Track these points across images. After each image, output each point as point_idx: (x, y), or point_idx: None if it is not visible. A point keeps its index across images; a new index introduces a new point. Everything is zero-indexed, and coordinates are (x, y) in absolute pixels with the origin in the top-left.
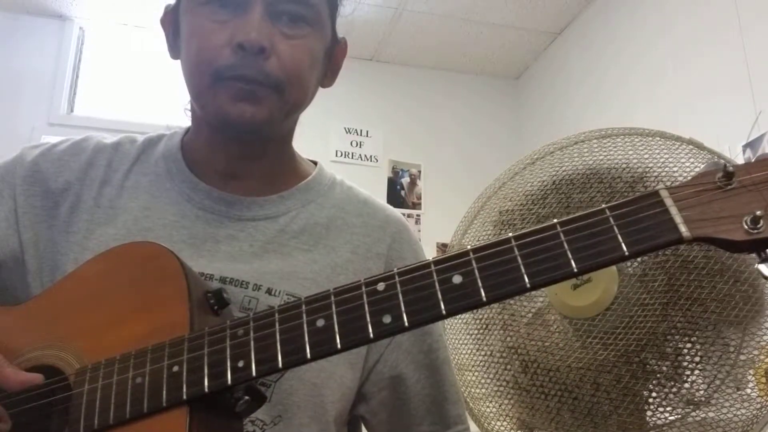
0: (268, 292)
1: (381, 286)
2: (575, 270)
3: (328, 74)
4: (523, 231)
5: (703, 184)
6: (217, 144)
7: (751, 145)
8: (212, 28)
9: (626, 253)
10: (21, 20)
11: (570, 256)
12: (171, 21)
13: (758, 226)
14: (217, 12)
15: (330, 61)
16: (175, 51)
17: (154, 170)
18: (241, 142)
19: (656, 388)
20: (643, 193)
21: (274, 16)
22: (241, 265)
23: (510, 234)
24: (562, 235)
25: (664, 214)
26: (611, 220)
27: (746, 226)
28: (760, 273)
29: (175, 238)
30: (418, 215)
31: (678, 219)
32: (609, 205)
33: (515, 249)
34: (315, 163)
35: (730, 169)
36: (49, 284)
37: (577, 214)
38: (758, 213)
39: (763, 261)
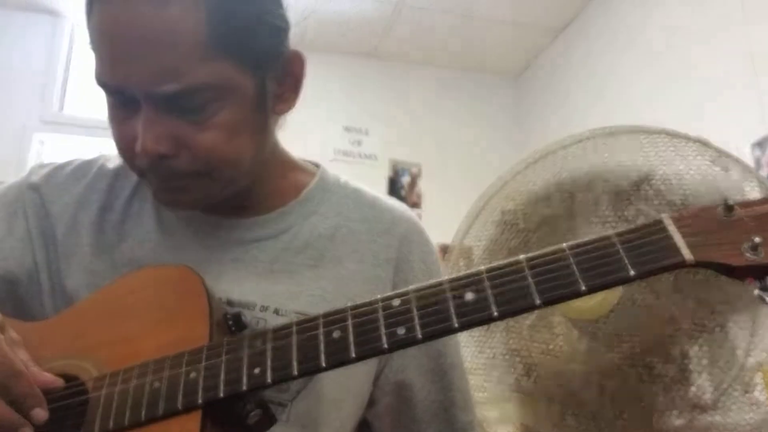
0: (276, 312)
1: (396, 302)
2: (584, 289)
3: (281, 101)
4: (534, 254)
5: (704, 215)
6: None
7: (760, 144)
8: (118, 123)
9: (632, 274)
10: (12, 17)
11: (578, 275)
12: None
13: (757, 252)
14: (116, 107)
15: (273, 96)
16: None
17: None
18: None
19: (662, 392)
20: (648, 222)
21: (168, 110)
22: (247, 288)
23: (522, 256)
24: (571, 258)
25: (667, 239)
26: (617, 244)
27: (746, 253)
28: (760, 299)
29: (181, 262)
30: (418, 215)
31: (680, 243)
32: (616, 231)
33: (526, 269)
34: (317, 165)
35: (730, 203)
36: (62, 306)
37: (585, 239)
38: (757, 240)
39: (763, 288)
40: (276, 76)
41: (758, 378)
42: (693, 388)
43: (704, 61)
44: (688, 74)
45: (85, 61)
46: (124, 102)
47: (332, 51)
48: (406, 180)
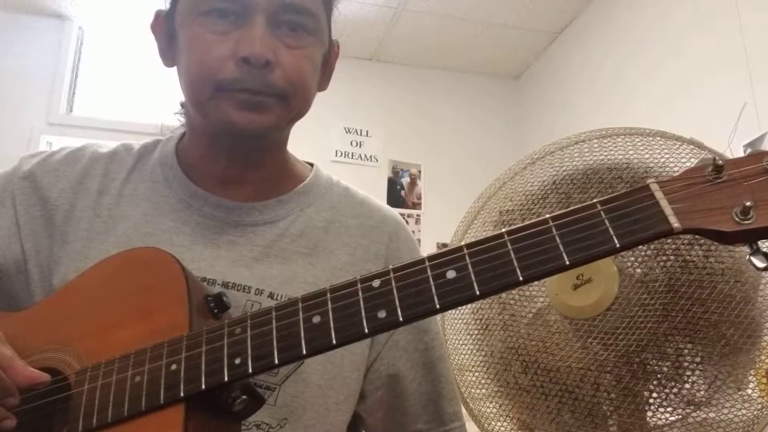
0: (270, 296)
1: (376, 283)
2: (567, 263)
3: (323, 78)
4: (516, 226)
5: (693, 178)
6: (217, 152)
7: (752, 145)
8: (213, 40)
9: (617, 245)
10: (20, 20)
11: (562, 249)
12: (164, 28)
13: (748, 216)
14: (217, 23)
15: (326, 66)
16: (168, 59)
17: (150, 177)
18: (242, 150)
19: (657, 389)
20: (634, 187)
21: (275, 25)
22: (243, 270)
23: (503, 230)
24: (554, 229)
25: (654, 207)
26: (602, 213)
27: (736, 218)
28: (752, 264)
29: (176, 243)
30: (418, 215)
31: (668, 211)
32: (600, 199)
33: (508, 244)
34: (311, 164)
35: (720, 162)
36: (51, 292)
37: (568, 209)
38: (747, 204)
39: (754, 253)
40: (329, 54)
41: (751, 375)
42: (687, 385)
43: (698, 62)
44: (683, 75)
45: (92, 63)
46: (226, 13)
47: None
48: (405, 181)
